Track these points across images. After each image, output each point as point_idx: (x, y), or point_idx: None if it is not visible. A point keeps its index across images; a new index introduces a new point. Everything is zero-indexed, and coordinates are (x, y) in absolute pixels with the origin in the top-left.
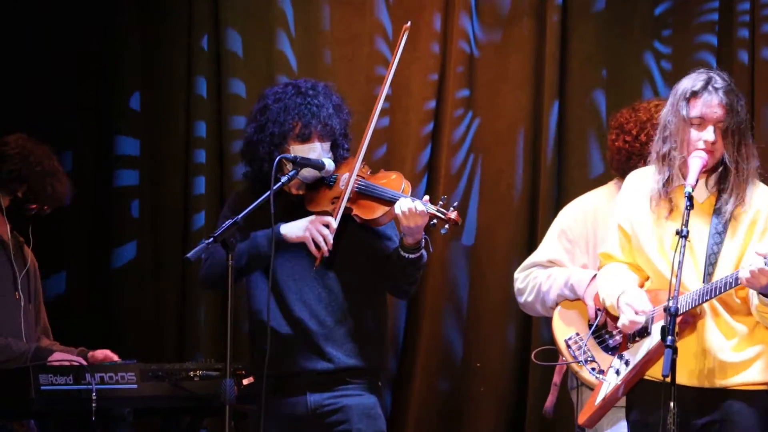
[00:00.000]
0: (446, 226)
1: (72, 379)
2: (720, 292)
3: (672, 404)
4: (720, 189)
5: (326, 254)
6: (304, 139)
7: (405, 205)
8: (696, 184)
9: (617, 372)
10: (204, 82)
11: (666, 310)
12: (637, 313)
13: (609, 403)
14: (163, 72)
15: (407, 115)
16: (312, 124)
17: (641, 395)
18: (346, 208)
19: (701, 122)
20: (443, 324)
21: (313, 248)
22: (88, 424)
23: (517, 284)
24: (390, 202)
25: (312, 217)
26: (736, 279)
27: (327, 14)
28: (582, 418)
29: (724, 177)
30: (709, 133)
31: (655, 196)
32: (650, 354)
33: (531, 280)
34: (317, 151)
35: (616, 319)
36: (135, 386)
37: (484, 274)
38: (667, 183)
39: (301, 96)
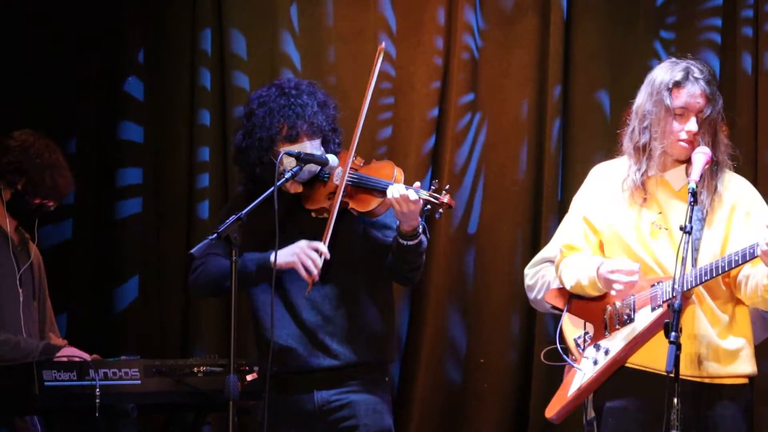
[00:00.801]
0: (440, 210)
1: (76, 375)
2: (722, 271)
3: (675, 400)
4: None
5: (316, 279)
6: (293, 140)
7: (396, 191)
8: (699, 180)
9: (595, 362)
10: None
11: (669, 306)
12: (627, 273)
13: (583, 394)
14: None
15: (410, 111)
16: (297, 124)
17: (617, 381)
18: (342, 203)
19: (684, 112)
20: (447, 320)
21: (303, 273)
22: (92, 420)
23: (527, 280)
24: (384, 191)
25: (302, 242)
26: (743, 255)
27: (330, 11)
28: (551, 412)
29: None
30: (692, 124)
31: (629, 185)
32: (634, 341)
33: (540, 277)
34: (308, 150)
35: (587, 304)
36: (139, 382)
37: (488, 270)
38: (644, 173)
39: (285, 97)
